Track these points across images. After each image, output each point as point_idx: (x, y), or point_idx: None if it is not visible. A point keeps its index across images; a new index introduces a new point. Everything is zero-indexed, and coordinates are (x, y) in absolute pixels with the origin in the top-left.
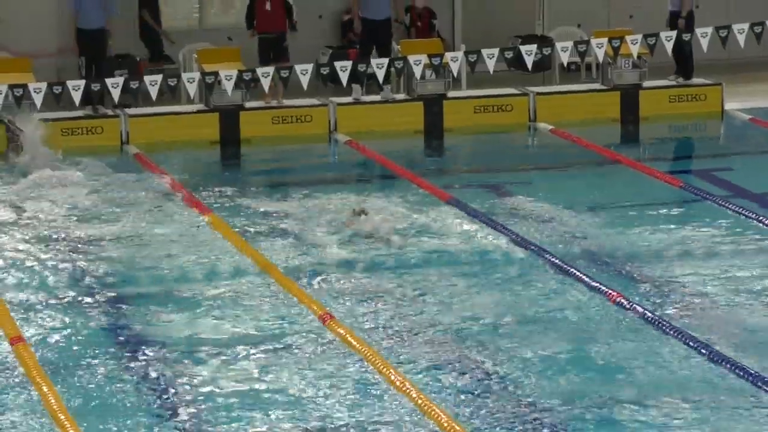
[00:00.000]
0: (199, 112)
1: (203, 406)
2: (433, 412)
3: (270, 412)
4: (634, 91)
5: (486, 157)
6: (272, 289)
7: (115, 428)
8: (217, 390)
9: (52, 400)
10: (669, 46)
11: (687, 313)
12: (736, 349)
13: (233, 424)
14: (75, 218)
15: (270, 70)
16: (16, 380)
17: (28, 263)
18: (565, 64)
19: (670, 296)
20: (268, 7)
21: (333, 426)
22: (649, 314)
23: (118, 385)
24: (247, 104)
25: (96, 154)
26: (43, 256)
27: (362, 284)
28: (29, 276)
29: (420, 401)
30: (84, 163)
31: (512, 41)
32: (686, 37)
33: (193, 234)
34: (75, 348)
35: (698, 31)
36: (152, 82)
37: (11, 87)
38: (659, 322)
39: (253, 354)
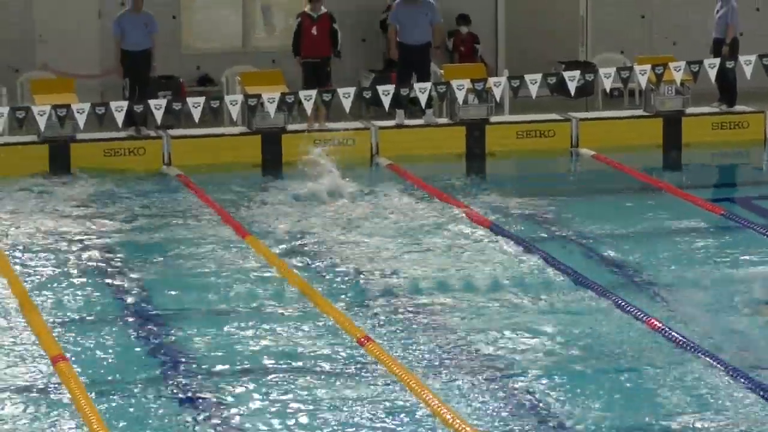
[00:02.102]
0: (241, 134)
1: (240, 426)
2: None
3: None
4: (677, 118)
5: (528, 182)
6: (310, 311)
7: None
8: (254, 410)
9: (94, 420)
10: (713, 74)
11: (726, 341)
12: None
13: None
14: (114, 237)
15: (312, 93)
16: (58, 399)
17: (69, 283)
18: (608, 90)
19: (709, 324)
20: (314, 31)
21: None
22: (688, 341)
23: (159, 404)
24: (289, 127)
25: (138, 175)
26: (82, 276)
27: (401, 307)
28: (70, 296)
29: (456, 425)
30: (125, 184)
31: (555, 67)
32: (730, 64)
33: (233, 255)
34: (115, 367)
35: (742, 58)
36: (195, 104)
37: (54, 107)
38: (698, 350)
39: (291, 375)
